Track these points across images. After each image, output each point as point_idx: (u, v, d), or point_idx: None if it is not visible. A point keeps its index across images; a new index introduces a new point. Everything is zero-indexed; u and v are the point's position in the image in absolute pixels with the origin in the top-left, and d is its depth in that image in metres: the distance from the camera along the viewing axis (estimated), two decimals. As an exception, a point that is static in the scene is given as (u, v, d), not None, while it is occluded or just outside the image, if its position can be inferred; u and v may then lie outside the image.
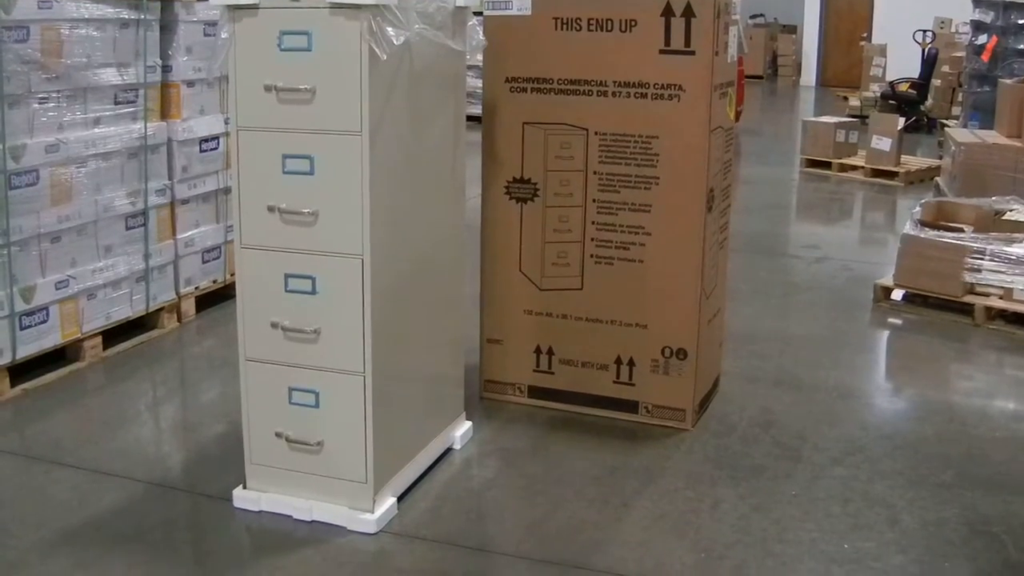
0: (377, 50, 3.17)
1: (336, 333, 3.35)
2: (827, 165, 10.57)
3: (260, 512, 3.56)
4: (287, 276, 3.36)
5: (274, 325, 3.40)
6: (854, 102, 15.48)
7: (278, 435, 3.49)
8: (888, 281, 6.08)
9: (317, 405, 3.42)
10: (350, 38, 3.17)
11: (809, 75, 21.68)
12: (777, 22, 22.16)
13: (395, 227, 3.42)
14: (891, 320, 5.83)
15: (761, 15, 21.93)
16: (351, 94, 3.19)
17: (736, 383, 4.73)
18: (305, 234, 3.31)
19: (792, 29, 21.90)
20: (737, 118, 13.14)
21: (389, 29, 3.24)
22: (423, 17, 3.47)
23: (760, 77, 21.28)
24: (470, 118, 3.94)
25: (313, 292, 3.34)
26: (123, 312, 5.04)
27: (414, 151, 3.54)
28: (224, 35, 3.35)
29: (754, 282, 6.43)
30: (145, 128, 5.02)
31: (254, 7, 3.27)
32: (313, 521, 3.48)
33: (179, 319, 5.45)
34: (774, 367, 5.02)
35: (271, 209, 3.33)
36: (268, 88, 3.26)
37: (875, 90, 15.18)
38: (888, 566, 3.30)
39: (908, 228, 6.16)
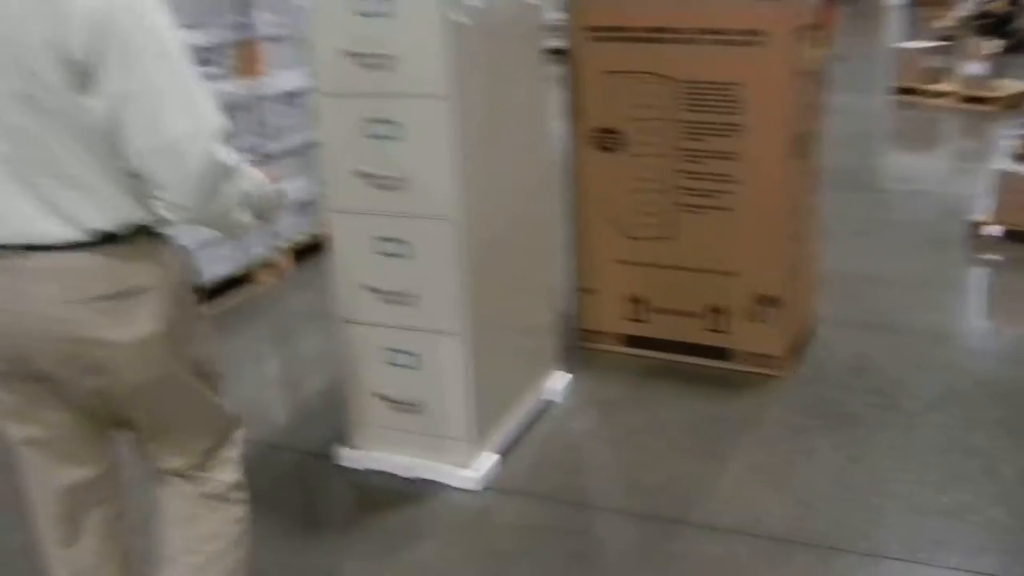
0: (459, 16, 3.18)
1: (432, 295, 3.40)
2: (918, 92, 10.35)
3: (364, 470, 3.65)
4: (379, 239, 3.41)
5: (370, 289, 3.46)
6: (944, 22, 15.10)
7: (378, 395, 3.56)
8: (982, 216, 5.98)
9: (417, 367, 3.48)
10: (431, 3, 3.17)
11: (896, -7, 21.14)
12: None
13: (485, 187, 3.44)
14: (987, 257, 5.72)
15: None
16: (435, 59, 3.20)
17: (829, 327, 4.70)
18: (395, 198, 3.34)
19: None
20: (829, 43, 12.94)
21: (471, -9, 3.25)
22: (504, -26, 3.47)
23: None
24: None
25: (406, 255, 3.38)
26: (221, 269, 5.14)
27: (499, 109, 3.55)
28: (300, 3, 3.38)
29: (843, 219, 6.32)
30: (230, 86, 5.09)
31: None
32: (416, 479, 3.56)
33: (277, 274, 5.54)
34: (866, 309, 4.98)
35: (359, 174, 3.37)
36: (350, 54, 3.28)
37: (967, 9, 14.79)
38: (986, 519, 3.28)
39: (1003, 162, 6.03)
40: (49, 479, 2.32)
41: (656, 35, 4.15)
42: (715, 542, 3.22)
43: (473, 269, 3.38)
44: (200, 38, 4.92)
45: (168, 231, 2.17)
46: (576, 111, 4.34)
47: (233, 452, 2.49)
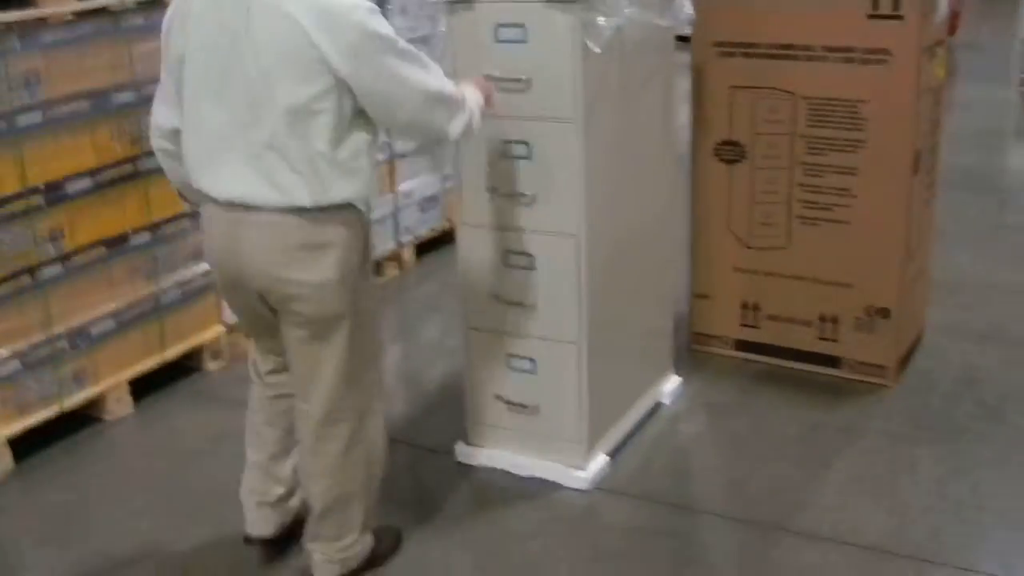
0: (590, 43, 3.36)
1: (552, 305, 3.59)
2: (1051, 84, 10.19)
3: (480, 467, 3.86)
4: (507, 252, 3.61)
5: (495, 297, 3.66)
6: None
7: (498, 398, 3.77)
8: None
9: (534, 372, 3.68)
10: (563, 31, 3.35)
11: (1035, -24, 20.58)
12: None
13: (610, 206, 3.62)
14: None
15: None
16: (566, 84, 3.38)
17: (940, 336, 4.78)
18: (523, 214, 3.54)
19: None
20: (953, 31, 12.78)
21: (601, 19, 3.41)
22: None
23: (981, -20, 20.36)
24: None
25: (531, 268, 3.58)
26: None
27: (627, 129, 3.72)
28: (442, 28, 3.60)
29: (963, 222, 6.34)
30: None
31: (469, 2, 3.50)
32: (530, 477, 3.76)
33: (400, 267, 5.79)
34: (981, 319, 5.03)
35: (491, 190, 3.57)
36: (486, 78, 3.47)
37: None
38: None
39: None
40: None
41: (782, 52, 4.26)
42: (813, 550, 3.37)
43: (593, 282, 3.56)
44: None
45: (358, 203, 2.85)
46: (700, 123, 4.48)
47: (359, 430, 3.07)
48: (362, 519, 3.16)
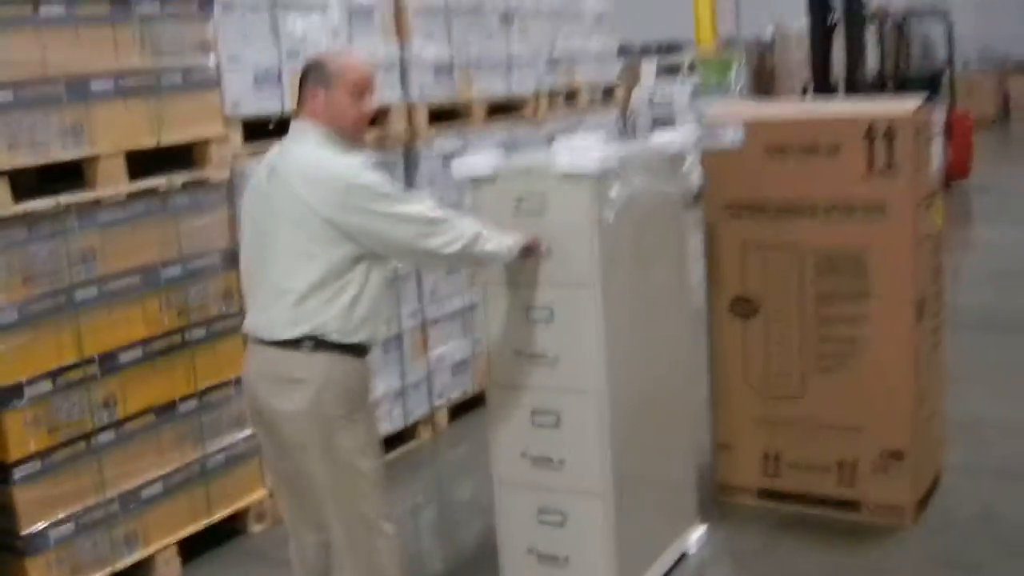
0: (604, 212, 3.63)
1: (579, 460, 3.80)
2: (1064, 225, 10.42)
3: (515, 620, 4.02)
4: (533, 411, 3.83)
5: (523, 455, 3.87)
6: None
7: (529, 551, 3.95)
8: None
9: (563, 524, 3.87)
10: (579, 202, 3.64)
11: (1049, 118, 20.96)
12: (1010, 59, 21.63)
13: (629, 363, 3.85)
14: None
15: (993, 51, 21.47)
16: (583, 251, 3.66)
17: (958, 475, 4.92)
18: (548, 374, 3.78)
19: (1024, 67, 21.35)
20: (966, 174, 13.10)
21: (613, 190, 3.69)
22: (643, 170, 3.92)
23: (992, 121, 20.78)
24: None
25: (556, 426, 3.79)
26: (384, 428, 5.61)
27: (643, 289, 3.97)
28: (467, 202, 3.90)
29: (979, 363, 6.53)
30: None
31: (492, 178, 3.79)
32: (564, 628, 3.92)
33: (434, 429, 6.01)
34: (998, 457, 5.18)
35: (517, 352, 3.81)
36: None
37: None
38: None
39: None
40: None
41: (787, 209, 4.53)
42: None
43: (616, 435, 3.77)
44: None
45: (350, 341, 3.21)
46: (714, 281, 4.73)
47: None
48: None
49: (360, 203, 3.16)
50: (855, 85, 12.45)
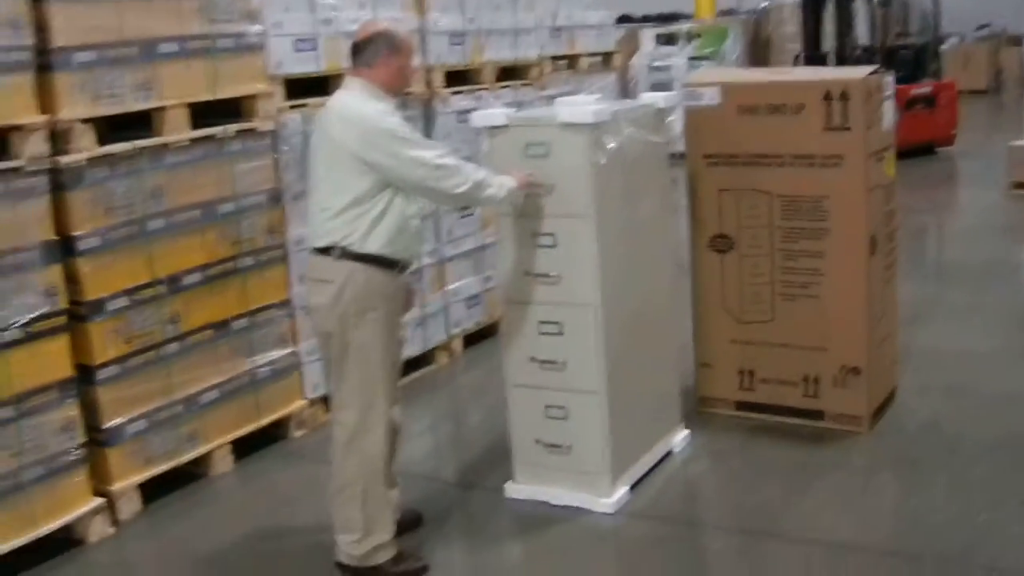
0: (598, 156, 4.33)
1: (578, 363, 4.51)
2: (1034, 186, 10.95)
3: (525, 500, 4.73)
4: (540, 322, 4.54)
5: (531, 359, 4.58)
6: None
7: (537, 441, 4.66)
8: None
9: (566, 418, 4.58)
10: (578, 147, 4.34)
11: (1038, 87, 21.48)
12: (1004, 32, 22.23)
13: (620, 281, 4.55)
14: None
15: (987, 25, 22.13)
16: (581, 188, 4.36)
17: (912, 394, 5.64)
18: (552, 290, 4.49)
19: (1018, 40, 21.90)
20: (951, 141, 13.73)
21: (606, 138, 4.40)
22: (632, 122, 4.62)
23: (984, 92, 21.39)
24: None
25: (560, 333, 4.51)
26: (406, 352, 6.30)
27: (631, 221, 4.66)
28: (484, 148, 4.60)
29: (943, 305, 7.27)
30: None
31: (505, 127, 4.49)
32: (565, 505, 4.62)
33: (450, 355, 6.73)
34: (949, 379, 5.89)
35: (526, 273, 4.52)
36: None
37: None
38: (1010, 535, 4.21)
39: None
40: None
41: (757, 160, 5.23)
42: (794, 548, 4.24)
43: (610, 342, 4.48)
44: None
45: (367, 251, 3.90)
46: (696, 221, 5.44)
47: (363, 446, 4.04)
48: (362, 522, 4.03)
49: (382, 142, 3.85)
50: (844, 57, 13.11)
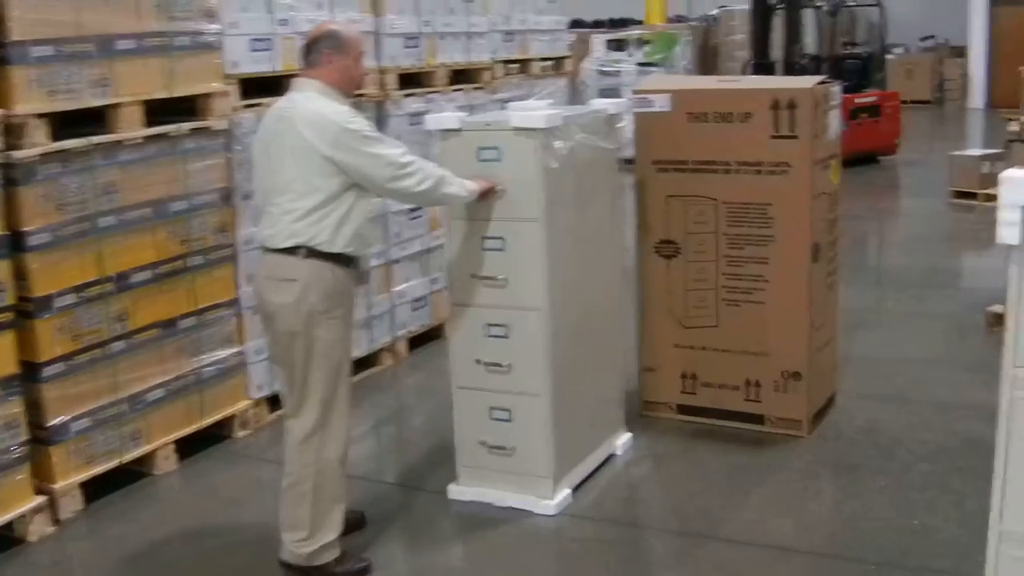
0: (549, 160, 4.38)
1: (524, 366, 4.56)
2: (974, 196, 11.17)
3: (468, 501, 4.76)
4: (487, 325, 4.58)
5: (477, 361, 4.62)
6: (1013, 127, 15.90)
7: (481, 443, 4.70)
8: (999, 308, 6.95)
9: (510, 420, 4.63)
10: (528, 151, 4.39)
11: (977, 97, 21.76)
12: (947, 43, 22.58)
13: (567, 286, 4.60)
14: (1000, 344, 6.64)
15: (932, 36, 22.47)
16: (531, 191, 4.40)
17: (851, 399, 5.74)
18: (499, 294, 4.53)
19: (960, 51, 22.23)
20: (894, 150, 13.94)
21: (557, 143, 4.45)
22: (583, 127, 4.67)
23: (928, 102, 21.74)
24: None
25: (506, 336, 4.55)
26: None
27: (580, 226, 4.72)
28: (436, 151, 4.63)
29: (882, 312, 7.42)
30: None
31: (458, 131, 4.53)
32: (508, 507, 4.66)
33: (394, 357, 6.75)
34: (887, 385, 6.00)
35: (474, 276, 4.56)
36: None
37: (1032, 115, 15.60)
38: (944, 537, 4.30)
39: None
40: None
41: (705, 167, 5.30)
42: (732, 551, 4.31)
43: (556, 346, 4.53)
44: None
45: (334, 251, 3.93)
46: (643, 226, 5.50)
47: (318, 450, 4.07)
48: (310, 519, 4.04)
49: (350, 142, 3.89)
50: (792, 66, 13.27)
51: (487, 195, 4.41)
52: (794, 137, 5.10)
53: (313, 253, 3.92)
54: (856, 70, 14.66)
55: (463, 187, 4.28)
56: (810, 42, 14.57)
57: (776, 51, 13.90)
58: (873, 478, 4.86)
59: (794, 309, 5.23)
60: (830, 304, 5.56)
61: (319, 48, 4.06)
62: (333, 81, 4.05)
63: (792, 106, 5.09)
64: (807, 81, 5.29)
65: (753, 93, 5.30)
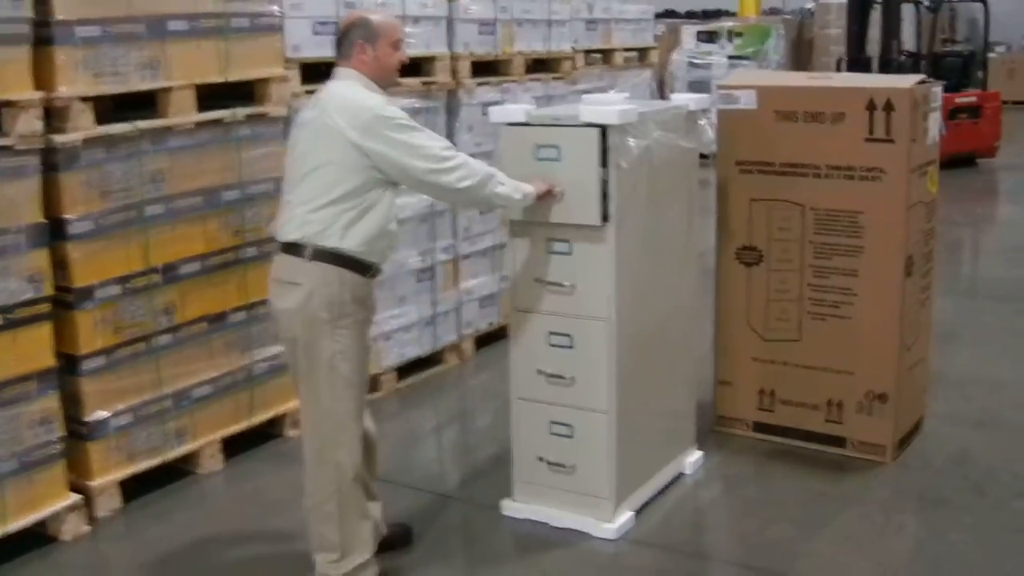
0: (620, 161, 4.05)
1: (588, 379, 4.24)
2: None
3: (522, 519, 4.46)
4: (550, 333, 4.27)
5: (539, 372, 4.31)
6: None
7: (539, 459, 4.40)
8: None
9: (571, 436, 4.31)
10: (594, 150, 4.06)
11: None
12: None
13: (637, 294, 4.27)
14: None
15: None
16: (595, 194, 4.08)
17: (940, 423, 5.34)
18: (564, 301, 4.21)
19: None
20: (993, 153, 13.40)
21: (630, 140, 4.12)
22: (660, 124, 4.34)
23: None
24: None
25: (570, 347, 4.24)
26: (414, 351, 6.11)
27: (653, 231, 4.39)
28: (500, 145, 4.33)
29: (978, 327, 6.96)
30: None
31: (523, 124, 4.23)
32: (564, 528, 4.35)
33: (460, 356, 6.47)
34: (981, 409, 5.59)
35: (538, 280, 4.25)
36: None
37: None
38: (1041, 588, 3.93)
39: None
40: None
41: (792, 169, 4.94)
42: (805, 593, 3.96)
43: (622, 360, 4.21)
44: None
45: (343, 250, 3.61)
46: (723, 231, 5.16)
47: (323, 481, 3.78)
48: (338, 541, 3.76)
49: (383, 130, 3.58)
50: (888, 63, 12.77)
51: (545, 198, 4.08)
52: (890, 141, 4.72)
53: (319, 254, 3.61)
54: (956, 68, 14.12)
55: (517, 189, 3.94)
56: (907, 38, 14.03)
57: (873, 47, 13.39)
58: (960, 515, 4.48)
59: (884, 326, 4.86)
60: (923, 321, 5.18)
61: (351, 39, 3.78)
62: (368, 72, 3.77)
63: (889, 107, 4.71)
64: (906, 80, 4.90)
65: (847, 92, 4.92)
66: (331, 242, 3.61)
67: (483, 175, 3.79)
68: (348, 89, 3.72)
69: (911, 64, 12.93)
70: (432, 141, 3.72)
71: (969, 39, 16.44)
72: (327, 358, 3.65)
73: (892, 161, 4.74)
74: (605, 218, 4.11)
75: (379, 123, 3.60)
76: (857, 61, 13.31)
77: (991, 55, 17.08)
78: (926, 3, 13.74)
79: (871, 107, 4.74)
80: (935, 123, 5.04)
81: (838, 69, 13.96)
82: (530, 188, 4.00)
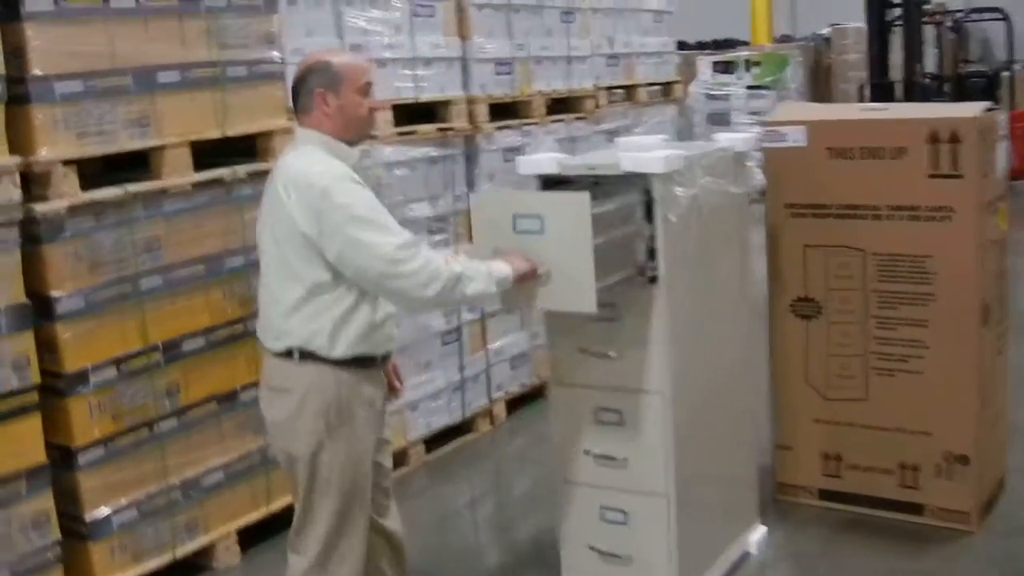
0: (669, 214, 3.61)
1: (642, 459, 3.79)
2: None
3: (575, 615, 4.01)
4: (597, 408, 3.82)
5: (586, 452, 3.86)
6: None
7: (591, 548, 3.94)
8: None
9: (626, 523, 3.86)
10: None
11: None
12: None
13: (692, 362, 3.83)
14: None
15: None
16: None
17: (1022, 478, 4.87)
18: (611, 372, 3.77)
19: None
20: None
21: (677, 190, 3.68)
22: (707, 170, 3.89)
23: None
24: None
25: (620, 423, 3.79)
26: (442, 420, 5.66)
27: (705, 288, 3.95)
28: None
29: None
30: (456, 252, 5.63)
31: (561, 178, 3.79)
32: (623, 624, 3.91)
33: (492, 422, 6.02)
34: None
35: (582, 350, 3.80)
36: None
37: None
38: None
39: None
40: None
41: (850, 211, 4.50)
42: None
43: (679, 435, 3.76)
44: (429, 210, 5.51)
45: (336, 357, 3.13)
46: (776, 281, 4.70)
47: None
48: None
49: (332, 217, 3.03)
50: (912, 86, 12.36)
51: (526, 279, 3.34)
52: (958, 176, 4.28)
53: (310, 356, 3.14)
54: (981, 89, 13.70)
55: (489, 279, 3.21)
56: (927, 60, 13.63)
57: (894, 71, 12.99)
58: (1064, 591, 4.01)
59: (960, 380, 4.39)
60: (1000, 372, 4.71)
61: (308, 87, 3.21)
62: (332, 128, 3.21)
63: (955, 139, 4.27)
64: (971, 108, 4.46)
65: (906, 124, 4.48)
66: (321, 352, 3.13)
67: (447, 277, 3.11)
68: (302, 160, 3.15)
69: (937, 87, 12.52)
70: (384, 237, 3.07)
71: (984, 58, 15.99)
72: (327, 472, 3.19)
73: (961, 198, 4.30)
74: (653, 279, 3.66)
75: (327, 207, 3.03)
76: (880, 86, 12.90)
77: (1009, 73, 16.68)
78: (948, 23, 13.35)
79: (934, 139, 4.31)
80: (1003, 153, 4.60)
81: (861, 95, 13.56)
82: (504, 270, 3.26)
